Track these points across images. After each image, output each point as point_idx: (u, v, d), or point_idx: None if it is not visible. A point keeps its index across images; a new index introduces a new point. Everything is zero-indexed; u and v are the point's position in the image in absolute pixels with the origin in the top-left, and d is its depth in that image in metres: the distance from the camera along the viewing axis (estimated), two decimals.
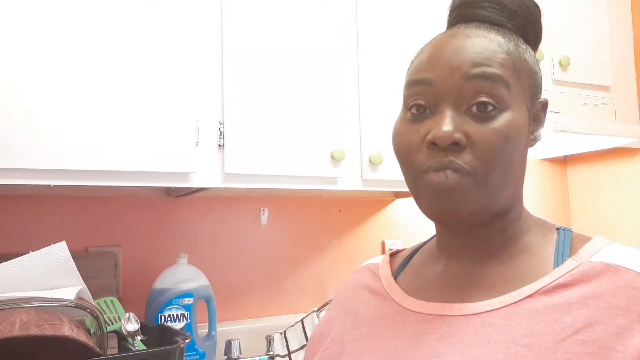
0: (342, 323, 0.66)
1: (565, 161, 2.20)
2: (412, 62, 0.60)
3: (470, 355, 0.50)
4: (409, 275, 0.65)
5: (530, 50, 0.60)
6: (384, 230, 1.83)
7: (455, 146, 0.52)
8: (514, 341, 0.49)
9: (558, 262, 0.54)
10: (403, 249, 0.72)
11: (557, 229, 0.59)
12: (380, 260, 0.70)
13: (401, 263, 0.68)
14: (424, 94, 0.56)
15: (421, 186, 0.55)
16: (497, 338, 0.50)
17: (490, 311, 0.53)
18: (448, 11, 0.63)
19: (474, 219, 0.55)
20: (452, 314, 0.55)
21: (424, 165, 0.54)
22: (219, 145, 1.22)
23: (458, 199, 0.53)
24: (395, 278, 0.65)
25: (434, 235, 0.66)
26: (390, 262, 0.69)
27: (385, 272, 0.67)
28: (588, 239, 0.56)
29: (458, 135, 0.52)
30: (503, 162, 0.53)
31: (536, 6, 0.60)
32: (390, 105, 1.41)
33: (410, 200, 1.82)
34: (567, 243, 0.56)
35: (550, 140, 1.74)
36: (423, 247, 0.69)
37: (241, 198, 1.60)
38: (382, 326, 0.60)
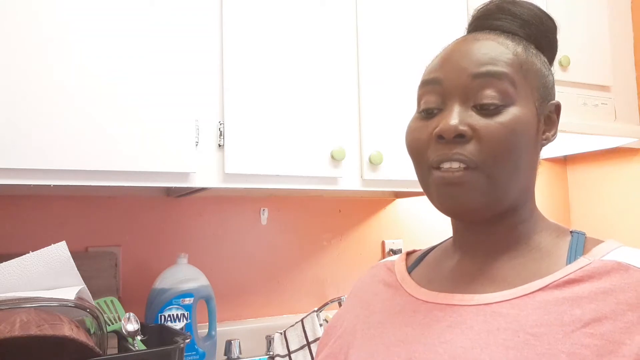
0: (354, 314, 0.68)
1: (565, 161, 2.20)
2: (426, 66, 0.63)
3: (479, 342, 0.51)
4: (422, 269, 0.67)
5: (541, 55, 0.62)
6: (384, 230, 1.83)
7: (461, 138, 0.55)
8: (523, 330, 0.50)
9: (570, 260, 0.55)
10: (419, 249, 0.74)
11: (570, 232, 0.61)
12: (397, 257, 0.73)
13: (416, 260, 0.70)
14: (434, 93, 0.59)
15: (430, 182, 0.58)
16: (507, 326, 0.51)
17: (500, 302, 0.54)
18: (466, 25, 0.66)
19: (484, 212, 0.57)
20: (462, 303, 0.56)
21: (432, 159, 0.57)
22: (219, 145, 1.22)
23: (466, 193, 0.55)
24: (409, 273, 0.67)
25: (450, 237, 0.68)
26: (407, 259, 0.72)
27: (400, 267, 0.69)
28: (601, 241, 0.57)
29: (463, 128, 0.55)
30: (510, 156, 0.55)
31: (550, 18, 0.64)
32: (390, 105, 1.41)
33: (411, 200, 1.83)
34: (580, 244, 0.57)
35: None
36: (439, 245, 0.71)
37: (241, 198, 1.60)
38: (393, 315, 0.62)
